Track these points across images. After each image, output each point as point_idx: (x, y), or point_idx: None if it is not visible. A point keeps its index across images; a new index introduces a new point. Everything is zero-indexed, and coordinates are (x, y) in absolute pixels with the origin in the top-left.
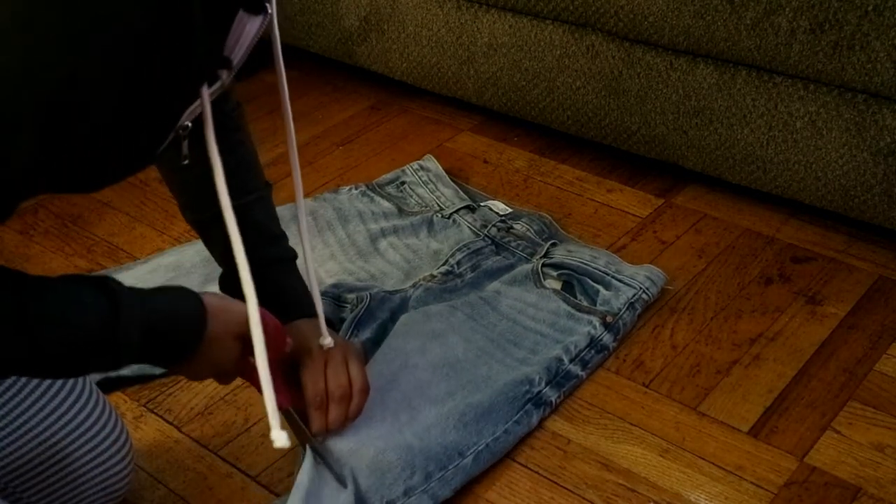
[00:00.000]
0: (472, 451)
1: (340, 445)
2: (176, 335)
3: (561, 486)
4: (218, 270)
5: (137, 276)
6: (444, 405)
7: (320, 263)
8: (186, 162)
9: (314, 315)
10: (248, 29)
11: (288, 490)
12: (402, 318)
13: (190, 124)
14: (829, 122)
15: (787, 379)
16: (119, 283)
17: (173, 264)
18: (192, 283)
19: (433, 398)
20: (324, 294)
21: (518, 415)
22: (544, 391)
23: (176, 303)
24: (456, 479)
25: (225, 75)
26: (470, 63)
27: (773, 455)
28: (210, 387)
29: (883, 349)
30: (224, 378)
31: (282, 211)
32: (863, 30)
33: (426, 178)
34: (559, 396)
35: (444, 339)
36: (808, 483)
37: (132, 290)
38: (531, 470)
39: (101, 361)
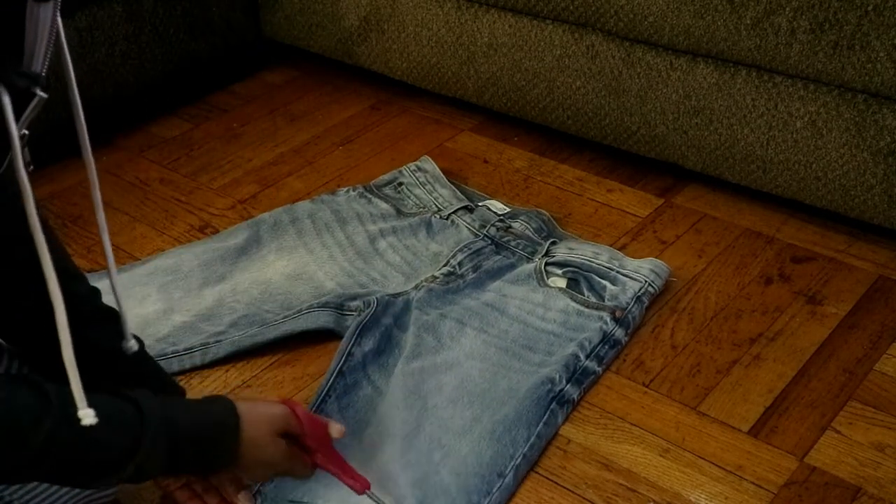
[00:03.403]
0: (510, 467)
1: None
2: (207, 449)
3: (561, 485)
4: (216, 274)
5: (135, 278)
6: (473, 431)
7: (319, 265)
8: (32, 168)
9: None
10: (41, 18)
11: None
12: (409, 348)
13: (27, 132)
14: (829, 122)
15: (787, 379)
16: (147, 400)
17: (172, 267)
18: (191, 285)
19: (461, 429)
20: (325, 305)
21: (546, 415)
22: (566, 389)
23: (208, 417)
24: (502, 499)
25: (41, 70)
26: (470, 63)
27: (773, 455)
28: (210, 387)
29: (883, 349)
30: (295, 472)
31: (280, 214)
32: (863, 30)
33: (423, 179)
34: (580, 394)
35: (457, 369)
36: (808, 483)
37: (163, 406)
38: (531, 470)
39: (126, 477)
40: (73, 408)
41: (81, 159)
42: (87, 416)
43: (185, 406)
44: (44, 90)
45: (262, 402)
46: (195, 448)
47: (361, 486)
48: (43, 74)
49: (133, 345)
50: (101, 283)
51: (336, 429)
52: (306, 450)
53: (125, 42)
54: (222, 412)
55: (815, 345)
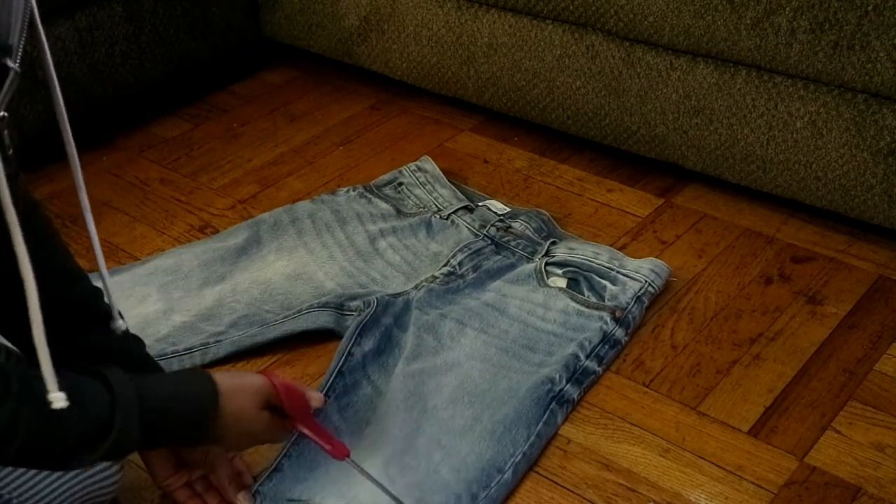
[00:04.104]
0: (510, 464)
1: (380, 498)
2: (183, 421)
3: (561, 485)
4: (216, 274)
5: (135, 278)
6: (473, 431)
7: (319, 265)
8: (11, 151)
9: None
10: None
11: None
12: (410, 349)
13: (6, 113)
14: (829, 122)
15: (787, 379)
16: (117, 376)
17: (171, 267)
18: (191, 285)
19: (461, 430)
20: (325, 305)
21: (546, 415)
22: (566, 389)
23: (183, 389)
24: (500, 495)
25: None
26: (470, 63)
27: (773, 455)
28: None
29: (883, 349)
30: (272, 441)
31: (280, 214)
32: (863, 30)
33: (423, 179)
34: (580, 394)
35: (457, 370)
36: (808, 483)
37: (132, 381)
38: (531, 469)
39: (102, 455)
40: (39, 390)
41: (80, 159)
42: (58, 399)
43: (160, 381)
44: (19, 68)
45: (241, 373)
46: (171, 423)
47: (340, 454)
48: (18, 52)
49: (121, 324)
50: (98, 284)
51: (315, 398)
52: (288, 419)
53: (125, 42)
54: (199, 385)
55: (815, 345)
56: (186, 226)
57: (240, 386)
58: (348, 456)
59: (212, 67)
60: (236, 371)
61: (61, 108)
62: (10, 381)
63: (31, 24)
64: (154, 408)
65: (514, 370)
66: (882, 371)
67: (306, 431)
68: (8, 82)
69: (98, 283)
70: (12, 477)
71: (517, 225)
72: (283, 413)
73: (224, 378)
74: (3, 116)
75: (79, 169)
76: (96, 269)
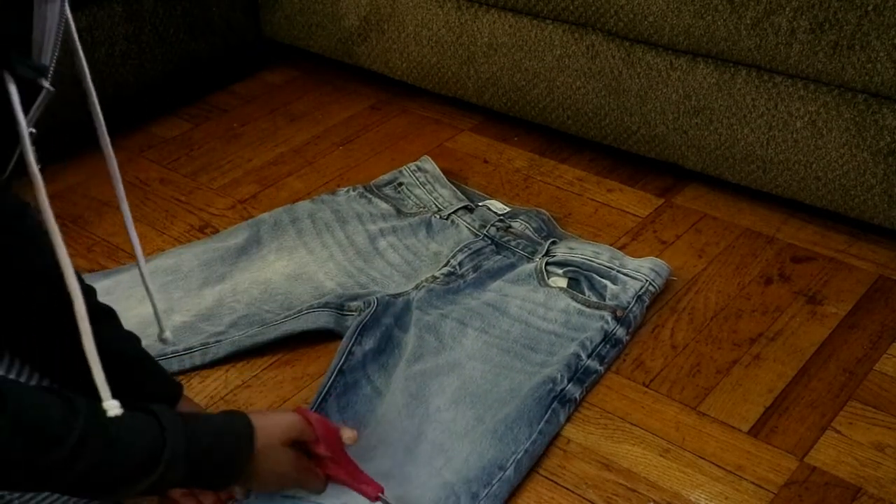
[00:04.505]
0: (511, 461)
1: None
2: (223, 462)
3: (561, 485)
4: (216, 274)
5: (135, 278)
6: (475, 432)
7: (319, 265)
8: (41, 167)
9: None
10: (48, 16)
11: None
12: (411, 350)
13: (35, 130)
14: (829, 122)
15: (787, 379)
16: (165, 414)
17: (172, 267)
18: (190, 285)
19: (463, 432)
20: (325, 305)
21: (548, 414)
22: (568, 388)
23: (223, 430)
24: (502, 492)
25: (47, 69)
26: (470, 63)
27: (773, 455)
28: (211, 387)
29: (883, 349)
30: (307, 485)
31: (280, 214)
32: (863, 30)
33: (423, 179)
34: (581, 393)
35: (459, 370)
36: (808, 483)
37: (183, 420)
38: (531, 469)
39: (149, 486)
40: (100, 418)
41: (81, 159)
42: (112, 407)
43: (204, 420)
44: (50, 85)
45: (274, 411)
46: (213, 461)
47: (374, 491)
48: (51, 70)
49: (169, 336)
50: (99, 284)
51: (348, 435)
52: (318, 460)
53: (125, 42)
54: (239, 425)
55: (815, 345)
56: (186, 226)
57: (271, 422)
58: (382, 492)
59: (212, 67)
60: (272, 410)
61: (100, 119)
62: (75, 404)
63: (68, 42)
64: (200, 447)
65: (515, 370)
66: (882, 371)
67: (341, 476)
68: (39, 100)
69: (97, 284)
70: None
71: (517, 225)
72: (314, 454)
73: (257, 418)
74: (32, 133)
75: (116, 167)
76: (96, 268)
